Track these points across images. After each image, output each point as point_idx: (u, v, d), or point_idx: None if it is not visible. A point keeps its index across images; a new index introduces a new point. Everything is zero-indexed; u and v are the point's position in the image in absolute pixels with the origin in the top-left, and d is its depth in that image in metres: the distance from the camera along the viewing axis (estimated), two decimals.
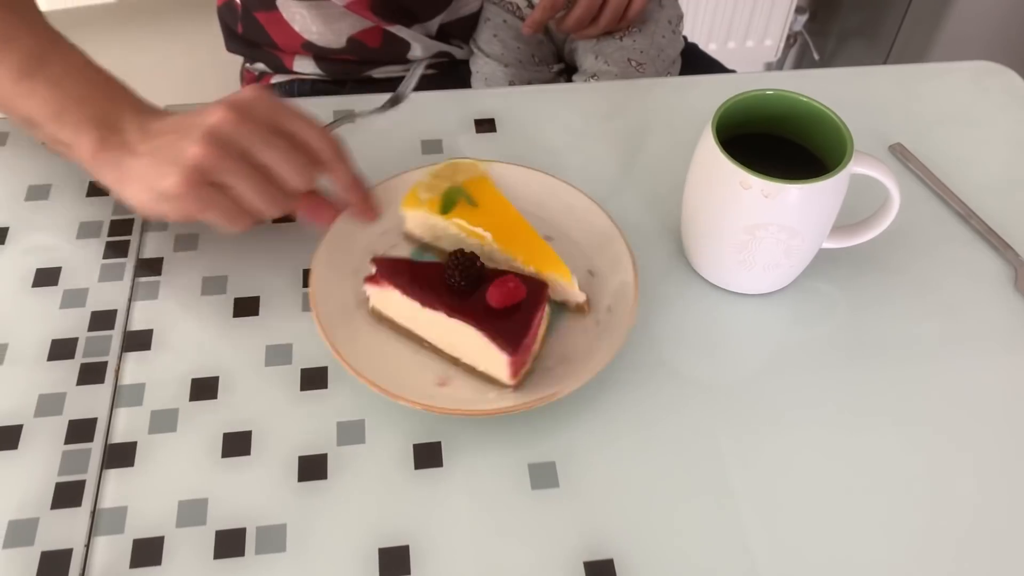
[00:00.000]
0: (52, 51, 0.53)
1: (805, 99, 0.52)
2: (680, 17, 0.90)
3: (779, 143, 0.54)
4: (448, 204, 0.54)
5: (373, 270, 0.50)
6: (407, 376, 0.49)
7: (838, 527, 0.46)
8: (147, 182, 0.49)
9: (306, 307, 0.54)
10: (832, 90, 0.57)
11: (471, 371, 0.50)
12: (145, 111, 0.52)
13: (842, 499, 0.47)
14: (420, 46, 0.85)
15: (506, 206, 0.54)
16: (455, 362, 0.51)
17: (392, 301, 0.50)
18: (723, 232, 0.52)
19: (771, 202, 0.49)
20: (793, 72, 0.65)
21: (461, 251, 0.50)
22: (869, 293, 0.56)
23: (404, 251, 0.56)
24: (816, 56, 1.70)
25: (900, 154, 0.64)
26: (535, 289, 0.50)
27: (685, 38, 0.93)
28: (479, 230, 0.52)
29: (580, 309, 0.52)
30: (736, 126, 0.52)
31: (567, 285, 0.51)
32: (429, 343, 0.51)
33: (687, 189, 0.54)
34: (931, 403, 0.51)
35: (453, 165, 0.56)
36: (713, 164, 0.50)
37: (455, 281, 0.49)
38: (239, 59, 0.91)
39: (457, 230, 0.54)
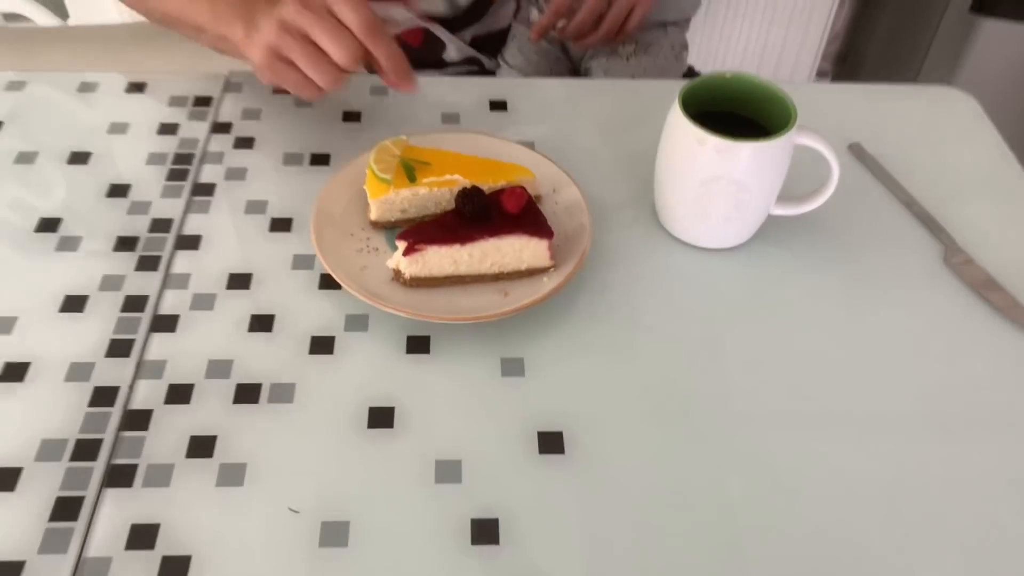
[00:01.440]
0: None
1: (759, 80, 0.62)
2: (684, 45, 1.01)
3: (738, 120, 0.63)
4: (410, 173, 0.62)
5: (402, 247, 0.58)
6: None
7: (771, 449, 0.54)
8: (248, 48, 0.63)
9: None
10: (807, 98, 0.66)
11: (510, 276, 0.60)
12: (272, 4, 0.64)
13: (777, 424, 0.55)
14: (455, 48, 0.97)
15: (453, 155, 0.64)
16: (496, 278, 0.60)
17: (431, 259, 0.58)
18: (682, 185, 0.62)
19: (722, 158, 0.59)
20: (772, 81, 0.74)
21: (464, 189, 0.60)
22: (817, 259, 0.65)
23: (380, 239, 0.63)
24: None
25: (857, 152, 0.74)
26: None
27: (691, 67, 1.04)
28: (449, 176, 0.62)
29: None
30: (702, 103, 0.62)
31: (533, 181, 0.63)
32: (471, 276, 0.60)
33: (658, 151, 0.64)
34: (867, 356, 0.59)
35: (384, 147, 0.63)
36: (677, 126, 0.60)
37: (472, 210, 0.58)
38: None
39: (428, 190, 0.62)
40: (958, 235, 0.67)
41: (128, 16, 1.66)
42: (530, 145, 0.70)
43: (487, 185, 0.62)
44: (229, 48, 0.66)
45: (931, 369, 0.58)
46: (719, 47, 1.66)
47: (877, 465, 0.52)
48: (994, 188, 0.72)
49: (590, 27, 0.92)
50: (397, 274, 0.59)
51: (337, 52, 0.61)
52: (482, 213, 0.59)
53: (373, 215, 0.63)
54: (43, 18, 1.78)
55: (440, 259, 0.59)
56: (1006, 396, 0.57)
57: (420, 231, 0.59)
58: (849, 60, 1.84)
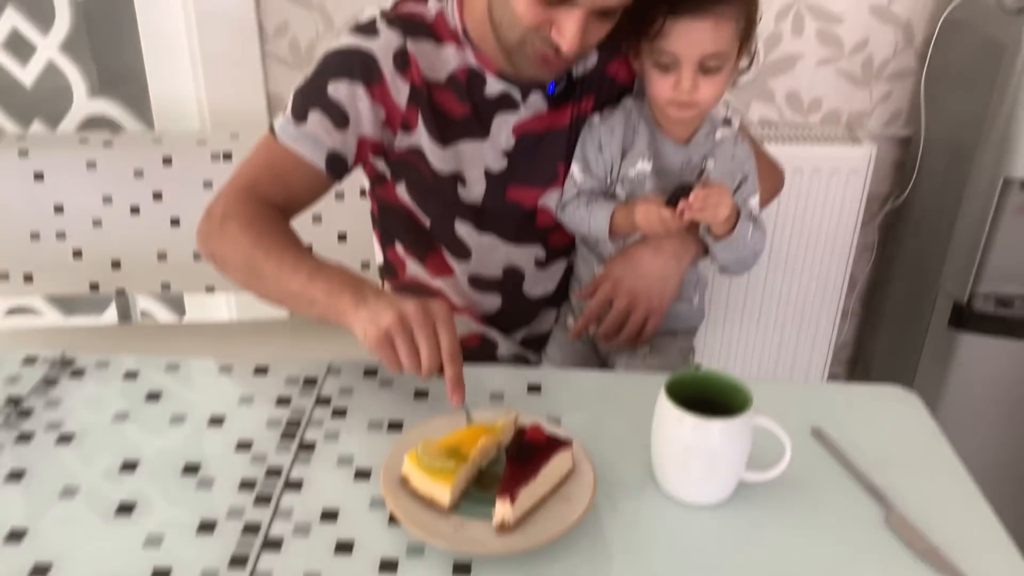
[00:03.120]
0: (321, 265, 0.95)
1: (724, 375, 0.83)
2: (691, 348, 1.24)
3: (713, 404, 0.84)
4: (456, 454, 0.80)
5: (504, 502, 0.74)
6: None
7: None
8: (364, 327, 0.87)
9: None
10: (785, 393, 0.87)
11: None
12: (375, 288, 0.90)
13: None
14: (505, 347, 1.22)
15: (466, 431, 0.83)
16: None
17: (522, 500, 0.76)
18: (668, 453, 0.81)
19: (696, 432, 0.79)
20: (757, 379, 0.93)
21: (515, 438, 0.81)
22: (783, 520, 0.82)
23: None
24: None
25: (818, 434, 0.93)
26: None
27: (699, 365, 1.27)
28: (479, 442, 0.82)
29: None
30: (687, 391, 0.82)
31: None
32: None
33: (652, 427, 0.84)
34: None
35: (416, 451, 0.79)
36: (663, 407, 0.81)
37: (526, 453, 0.79)
38: None
39: (471, 461, 0.81)
40: (899, 503, 0.84)
41: (236, 314, 1.99)
42: (557, 420, 0.91)
43: (497, 439, 0.82)
44: (335, 317, 0.91)
45: None
46: (737, 350, 1.90)
47: None
48: (928, 466, 0.89)
49: (614, 332, 1.16)
50: (503, 526, 0.76)
51: (426, 358, 0.86)
52: (528, 454, 0.79)
53: (448, 501, 0.78)
54: (165, 315, 2.13)
55: (528, 495, 0.77)
56: None
57: (509, 484, 0.75)
58: (859, 365, 2.06)
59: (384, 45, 1.04)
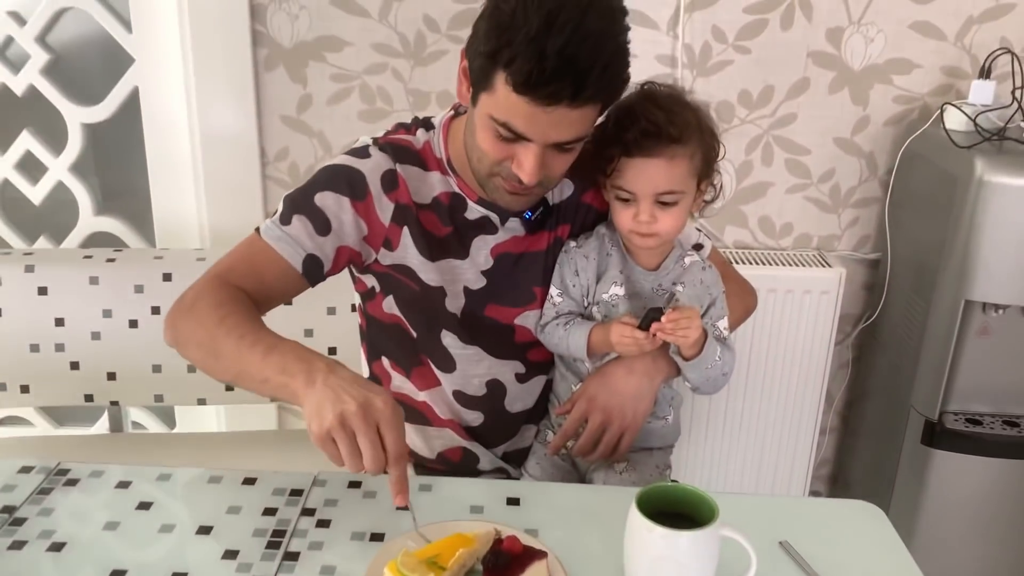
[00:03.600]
0: (279, 342, 0.98)
1: (691, 488, 0.88)
2: (668, 464, 1.28)
3: (683, 518, 0.87)
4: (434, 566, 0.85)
5: None
6: None
7: None
8: (309, 420, 0.89)
9: None
10: (754, 506, 0.90)
11: None
12: (330, 366, 0.93)
13: None
14: (487, 461, 1.25)
15: (445, 540, 0.87)
16: None
17: None
18: (638, 562, 0.84)
19: (665, 541, 0.82)
20: (727, 493, 0.96)
21: (491, 550, 0.84)
22: None
23: None
24: None
25: (785, 547, 0.96)
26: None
27: (675, 481, 1.30)
28: (458, 554, 0.85)
29: None
30: (658, 505, 0.86)
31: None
32: None
33: (624, 538, 0.87)
34: None
35: (396, 563, 0.84)
36: (634, 519, 0.85)
37: (503, 563, 0.84)
38: None
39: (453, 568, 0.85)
40: None
41: (224, 426, 2.02)
42: (534, 532, 0.95)
43: (474, 549, 0.85)
44: (286, 397, 0.94)
45: None
46: (718, 467, 1.94)
47: None
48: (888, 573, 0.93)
49: (590, 448, 1.20)
50: None
51: (369, 460, 0.88)
52: (505, 563, 0.82)
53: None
54: (156, 426, 2.16)
55: None
56: None
57: None
58: (839, 481, 2.08)
59: (373, 167, 1.13)
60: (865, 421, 1.97)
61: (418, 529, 0.91)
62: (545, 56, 0.93)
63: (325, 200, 1.11)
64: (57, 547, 0.92)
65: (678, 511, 0.87)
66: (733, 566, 0.86)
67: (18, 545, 0.92)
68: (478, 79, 1.01)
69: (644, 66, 1.75)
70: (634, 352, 1.13)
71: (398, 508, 0.90)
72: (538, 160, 1.03)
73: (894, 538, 1.00)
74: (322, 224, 1.11)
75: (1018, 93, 1.65)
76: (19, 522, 0.96)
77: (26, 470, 1.05)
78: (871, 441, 1.93)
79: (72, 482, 1.03)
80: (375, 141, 1.16)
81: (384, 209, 1.13)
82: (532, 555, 0.85)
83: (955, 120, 1.66)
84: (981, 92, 1.66)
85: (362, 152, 1.14)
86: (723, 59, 1.79)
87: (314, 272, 1.12)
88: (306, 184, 1.14)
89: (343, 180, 1.12)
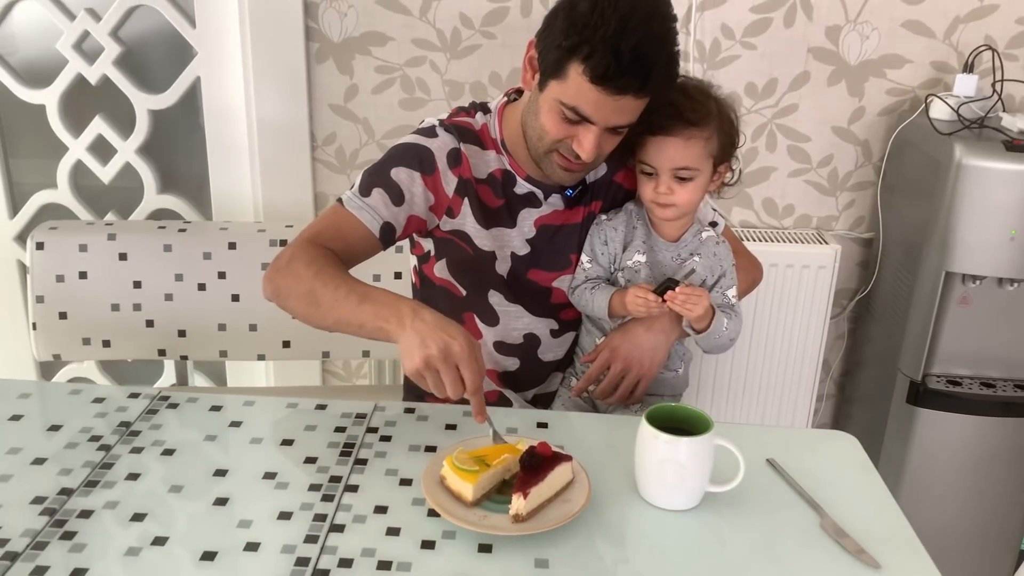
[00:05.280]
0: (370, 290, 1.15)
1: (692, 408, 1.06)
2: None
3: (684, 431, 1.06)
4: (482, 462, 1.02)
5: (519, 497, 0.97)
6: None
7: None
8: (403, 359, 1.08)
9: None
10: (750, 434, 1.08)
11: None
12: (415, 310, 1.10)
13: None
14: (518, 403, 1.44)
15: (493, 448, 1.06)
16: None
17: (532, 497, 0.98)
18: (646, 465, 1.03)
19: (668, 447, 1.01)
20: (726, 423, 1.16)
21: (528, 451, 1.02)
22: (738, 525, 1.03)
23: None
24: None
25: (772, 463, 1.15)
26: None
27: None
28: (501, 457, 1.04)
29: None
30: (664, 420, 1.05)
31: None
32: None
33: (635, 447, 1.06)
34: None
35: (451, 459, 1.01)
36: (643, 429, 1.03)
37: (537, 462, 1.01)
38: None
39: (495, 468, 1.03)
40: (831, 512, 1.05)
41: (273, 381, 2.21)
42: (560, 447, 1.14)
43: (517, 456, 1.04)
44: (383, 337, 1.12)
45: None
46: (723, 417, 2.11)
47: None
48: (857, 487, 1.11)
49: (610, 391, 1.39)
50: (517, 517, 0.98)
51: (451, 391, 1.07)
52: (538, 463, 1.01)
53: (471, 496, 1.00)
54: (205, 384, 2.36)
55: (537, 494, 0.99)
56: None
57: (522, 484, 0.98)
58: None
59: (440, 145, 1.31)
60: (859, 387, 2.15)
61: (496, 437, 1.11)
62: (620, 53, 1.11)
63: (399, 175, 1.30)
64: (168, 452, 1.12)
65: (679, 426, 1.06)
66: (727, 476, 1.04)
67: (137, 451, 1.12)
68: (550, 68, 1.19)
69: None
70: (643, 314, 1.30)
71: (479, 423, 1.10)
72: (597, 140, 1.21)
73: (865, 460, 1.18)
74: (397, 195, 1.29)
75: (998, 86, 1.82)
76: (135, 434, 1.16)
77: (134, 396, 1.25)
78: (864, 405, 2.11)
79: (173, 405, 1.23)
80: (441, 123, 1.34)
81: (449, 182, 1.32)
82: (559, 458, 1.03)
83: (940, 111, 1.83)
84: (964, 85, 1.83)
85: (430, 132, 1.33)
86: (731, 54, 1.97)
87: (388, 237, 1.31)
88: (381, 160, 1.32)
89: (415, 157, 1.31)
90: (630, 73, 1.12)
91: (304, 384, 2.06)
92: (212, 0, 1.99)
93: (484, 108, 1.37)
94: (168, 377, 2.31)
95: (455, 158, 1.32)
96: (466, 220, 1.34)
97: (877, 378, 2.03)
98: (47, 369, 2.32)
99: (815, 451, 1.19)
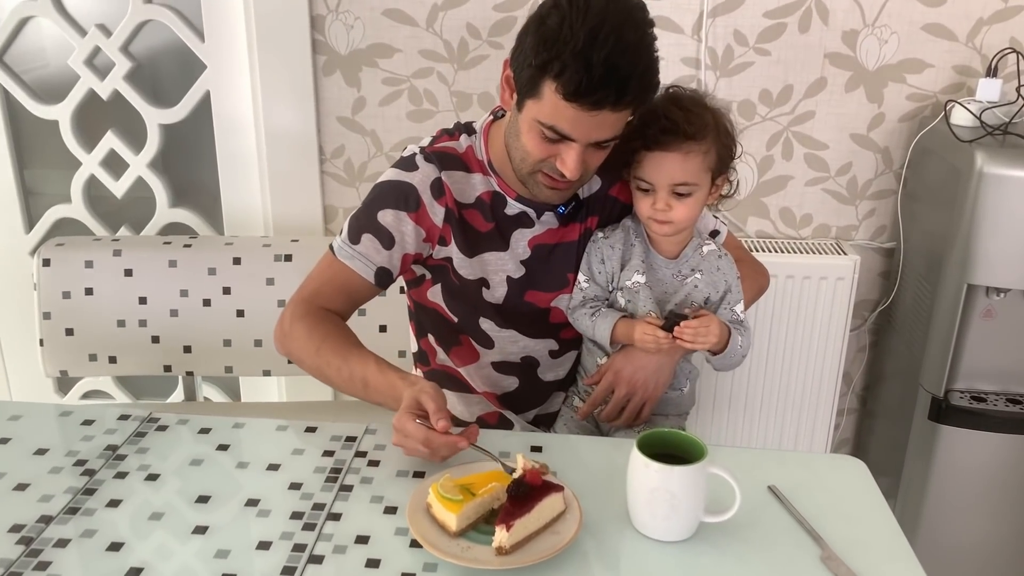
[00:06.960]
0: (367, 375, 1.18)
1: (685, 433, 1.02)
2: (682, 428, 1.42)
3: (677, 459, 1.02)
4: (467, 492, 0.99)
5: (502, 530, 0.94)
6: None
7: None
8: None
9: None
10: (745, 458, 1.04)
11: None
12: (411, 395, 1.10)
13: None
14: (519, 425, 1.41)
15: (478, 475, 1.02)
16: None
17: (516, 529, 0.94)
18: (637, 494, 0.99)
19: (660, 476, 0.97)
20: (727, 447, 1.12)
21: (514, 481, 0.99)
22: (735, 556, 0.99)
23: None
24: None
25: (773, 490, 1.10)
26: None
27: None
28: (489, 486, 1.01)
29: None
30: (657, 447, 1.01)
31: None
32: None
33: (627, 475, 1.02)
34: None
35: (436, 487, 0.98)
36: (635, 458, 1.00)
37: (524, 492, 0.97)
38: None
39: (481, 498, 0.99)
40: (832, 545, 1.00)
41: (285, 396, 2.21)
42: (554, 473, 1.10)
43: (500, 483, 1.00)
44: (390, 405, 1.14)
45: None
46: (741, 434, 2.06)
47: None
48: (863, 517, 1.06)
49: (615, 415, 1.35)
50: (500, 550, 0.94)
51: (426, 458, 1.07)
52: (525, 492, 0.97)
53: (455, 526, 0.97)
54: (223, 399, 2.35)
55: (522, 527, 0.95)
56: None
57: (506, 516, 0.94)
58: (857, 455, 2.19)
59: (422, 178, 1.28)
60: (881, 402, 2.08)
61: (498, 458, 1.08)
62: (592, 67, 1.07)
63: (386, 218, 1.28)
64: (152, 477, 1.10)
65: (674, 453, 1.02)
66: (725, 502, 1.00)
67: (121, 475, 1.11)
68: (525, 87, 1.15)
69: (670, 68, 1.89)
70: (653, 350, 1.27)
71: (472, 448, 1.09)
72: (580, 157, 1.17)
73: (873, 488, 1.13)
74: (387, 240, 1.28)
75: (1023, 90, 1.75)
76: (121, 458, 1.14)
77: (124, 417, 1.23)
78: (887, 420, 2.04)
79: (162, 428, 1.21)
80: (422, 151, 1.31)
81: (436, 213, 1.29)
82: (550, 487, 1.00)
83: (962, 116, 1.76)
84: (988, 89, 1.77)
85: (410, 164, 1.30)
86: (744, 61, 1.92)
87: (385, 280, 1.30)
88: (366, 203, 1.30)
89: (399, 195, 1.28)
90: (604, 86, 1.08)
91: (316, 398, 2.05)
92: (221, 15, 1.99)
93: (469, 129, 1.34)
94: (181, 391, 2.30)
95: (438, 189, 1.28)
96: (452, 248, 1.31)
97: (899, 393, 1.96)
98: (63, 384, 2.33)
99: (821, 477, 1.14)
